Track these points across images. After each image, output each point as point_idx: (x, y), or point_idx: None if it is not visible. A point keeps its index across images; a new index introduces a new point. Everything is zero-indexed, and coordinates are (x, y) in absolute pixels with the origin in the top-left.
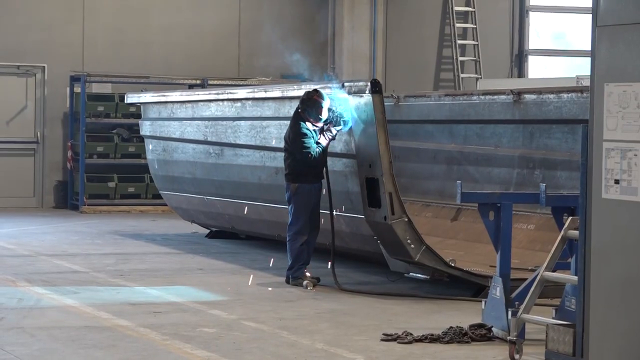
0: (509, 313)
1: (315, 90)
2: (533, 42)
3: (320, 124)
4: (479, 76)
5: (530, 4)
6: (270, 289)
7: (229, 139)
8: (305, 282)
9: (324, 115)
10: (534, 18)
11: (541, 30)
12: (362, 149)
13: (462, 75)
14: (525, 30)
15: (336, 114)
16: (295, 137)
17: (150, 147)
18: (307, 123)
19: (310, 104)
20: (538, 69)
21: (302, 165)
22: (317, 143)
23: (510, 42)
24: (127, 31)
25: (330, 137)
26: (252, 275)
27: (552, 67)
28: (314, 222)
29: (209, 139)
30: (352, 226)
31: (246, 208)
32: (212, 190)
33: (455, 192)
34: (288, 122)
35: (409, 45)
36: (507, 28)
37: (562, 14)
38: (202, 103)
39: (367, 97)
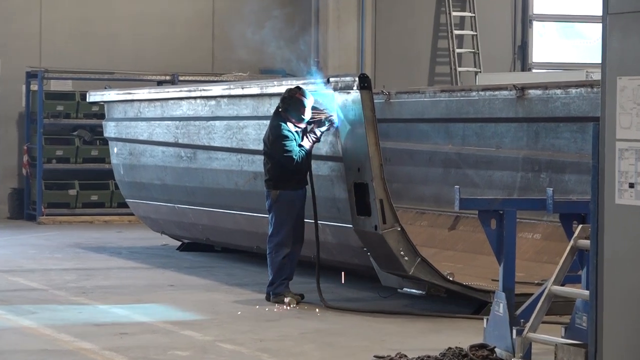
0: (514, 332)
1: (298, 87)
2: (538, 32)
3: (303, 125)
4: (478, 70)
5: None
6: (249, 306)
7: (202, 141)
8: (287, 299)
9: (307, 114)
10: (538, 5)
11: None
12: (350, 151)
13: (459, 69)
14: (528, 18)
15: (321, 113)
16: (275, 140)
17: (115, 150)
18: (288, 124)
19: (291, 103)
20: (543, 61)
21: (284, 171)
22: (300, 146)
23: (512, 32)
24: (90, 22)
25: (314, 139)
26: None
27: (559, 59)
28: (297, 232)
29: (180, 141)
30: (339, 237)
31: (222, 217)
32: (183, 197)
33: (453, 198)
34: (267, 122)
35: (400, 36)
36: (509, 16)
37: (570, 0)
38: (172, 101)
39: (354, 94)
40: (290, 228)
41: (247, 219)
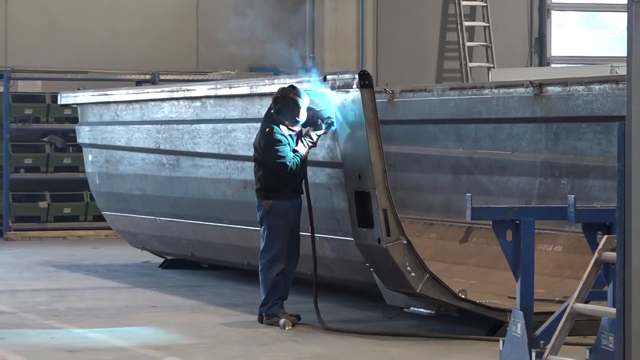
0: (533, 355)
1: (291, 87)
2: (556, 23)
3: (297, 128)
4: (491, 65)
5: None
6: (240, 329)
7: (186, 147)
8: (282, 321)
9: (302, 117)
10: None
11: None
12: (350, 156)
13: (470, 65)
14: (546, 8)
15: (317, 114)
16: (267, 145)
17: (90, 157)
18: (281, 127)
19: (285, 104)
20: (563, 55)
21: (277, 179)
22: (294, 151)
23: (528, 23)
24: (61, 16)
25: (310, 143)
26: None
27: (580, 52)
28: (292, 247)
29: (162, 146)
30: (338, 251)
31: (209, 231)
32: (166, 209)
33: (465, 207)
34: (258, 126)
35: (405, 28)
36: (525, 6)
37: None
38: (152, 103)
39: (354, 93)
40: (284, 242)
41: (237, 233)
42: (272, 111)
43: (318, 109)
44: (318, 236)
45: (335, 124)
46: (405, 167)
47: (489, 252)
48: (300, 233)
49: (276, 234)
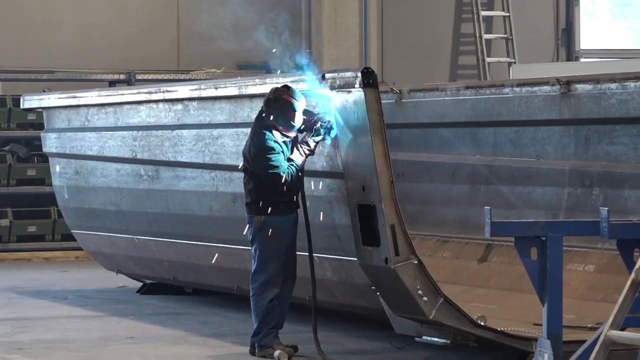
0: None
1: (285, 87)
2: (586, 12)
3: (292, 134)
4: (512, 60)
5: None
6: None
7: (166, 156)
8: (277, 353)
9: (298, 121)
10: None
11: None
12: (353, 165)
13: (488, 60)
14: None
15: (315, 118)
16: (258, 153)
17: (58, 169)
18: (274, 132)
19: (278, 106)
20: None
21: (269, 191)
22: (289, 160)
23: (554, 12)
24: (25, 8)
25: (307, 151)
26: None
27: (613, 44)
28: (288, 268)
29: (140, 155)
30: (340, 273)
31: (193, 251)
32: (144, 227)
33: (483, 221)
34: (248, 131)
35: (414, 20)
36: None
37: None
38: (128, 106)
39: (357, 93)
40: (278, 263)
41: (225, 253)
42: (263, 115)
43: (316, 112)
44: (317, 256)
45: (335, 128)
46: (415, 177)
47: (511, 273)
48: (297, 253)
49: (269, 254)
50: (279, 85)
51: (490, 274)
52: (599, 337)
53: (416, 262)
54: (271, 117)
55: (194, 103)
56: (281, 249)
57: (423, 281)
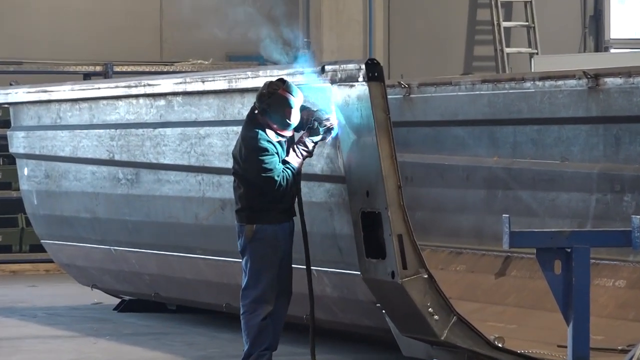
0: None
1: (281, 80)
2: None
3: (288, 133)
4: (534, 51)
5: None
6: None
7: (148, 157)
8: None
9: (295, 119)
10: None
11: None
12: (356, 168)
13: (507, 50)
14: None
15: (314, 116)
16: (250, 154)
17: (26, 171)
18: (268, 132)
19: (272, 102)
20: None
21: (262, 197)
22: (285, 162)
23: None
24: None
25: (304, 152)
26: None
27: None
28: (282, 283)
29: (118, 157)
30: (341, 288)
31: (177, 263)
32: (123, 236)
33: (501, 231)
34: (239, 130)
35: (423, 6)
36: None
37: None
38: (105, 102)
39: (360, 88)
40: (272, 277)
41: (213, 266)
42: (256, 112)
43: (314, 109)
44: (315, 269)
45: (336, 127)
46: (425, 181)
47: (532, 289)
48: (293, 266)
49: (262, 267)
50: (274, 79)
51: (509, 290)
52: None
53: (426, 276)
54: (265, 115)
55: (179, 98)
56: (275, 261)
57: (434, 297)
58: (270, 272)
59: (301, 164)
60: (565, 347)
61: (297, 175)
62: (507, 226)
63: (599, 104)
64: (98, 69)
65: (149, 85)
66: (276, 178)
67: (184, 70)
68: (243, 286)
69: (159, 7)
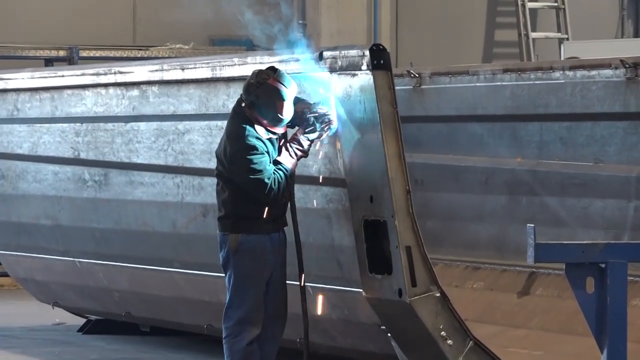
0: None
1: (272, 69)
2: None
3: (280, 129)
4: (564, 36)
5: None
6: None
7: (118, 155)
8: None
9: (288, 113)
10: None
11: None
12: (358, 169)
13: (533, 35)
14: None
15: (309, 109)
16: (236, 153)
17: None
18: (257, 128)
19: (262, 94)
20: None
21: (250, 202)
22: (277, 163)
23: None
24: None
25: (299, 151)
26: None
27: None
28: (275, 304)
29: (84, 155)
30: (341, 308)
31: (151, 278)
32: (89, 247)
33: (525, 243)
34: (223, 125)
35: None
36: None
37: None
38: (69, 91)
39: (364, 77)
40: (258, 295)
41: (192, 281)
42: (243, 105)
43: (310, 102)
44: (310, 286)
45: (335, 122)
46: (438, 185)
47: (560, 310)
48: (287, 282)
49: (247, 284)
50: (263, 67)
51: (533, 311)
52: None
53: (438, 294)
54: (253, 108)
55: (154, 88)
56: (262, 277)
57: (447, 319)
58: (256, 289)
59: (295, 165)
60: None
61: (291, 177)
62: (532, 237)
63: (639, 98)
64: (61, 53)
65: (120, 72)
66: (266, 181)
67: (160, 55)
68: (226, 305)
69: None
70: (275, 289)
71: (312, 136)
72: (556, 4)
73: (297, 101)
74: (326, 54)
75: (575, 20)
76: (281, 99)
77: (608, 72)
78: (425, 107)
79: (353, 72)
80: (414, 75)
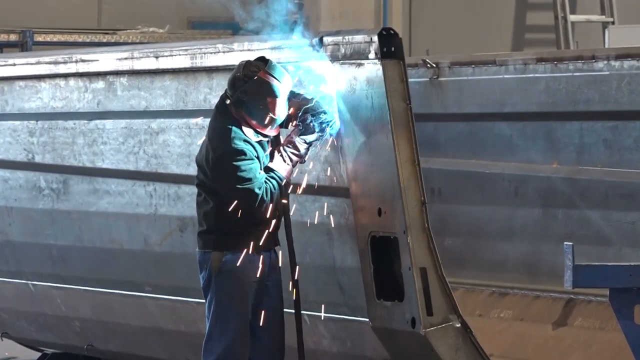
0: None
1: (262, 60)
2: None
3: (272, 131)
4: (609, 19)
5: None
6: None
7: (80, 159)
8: None
9: (280, 111)
10: None
11: None
12: (364, 177)
13: (572, 18)
14: None
15: (306, 107)
16: (220, 159)
17: None
18: (245, 129)
19: (250, 90)
20: None
21: (237, 216)
22: (269, 170)
23: None
24: None
25: (294, 156)
26: None
27: None
28: (263, 336)
29: (39, 158)
30: (343, 340)
31: (118, 305)
32: (45, 268)
33: (562, 265)
34: (206, 125)
35: None
36: None
37: None
38: (22, 83)
39: (371, 67)
40: (243, 325)
41: (167, 308)
42: (228, 102)
43: (308, 97)
44: (307, 314)
45: (337, 122)
46: (459, 196)
47: (603, 342)
48: (284, 310)
49: (230, 312)
50: (252, 57)
51: (571, 345)
52: None
53: (459, 325)
54: (240, 107)
55: (123, 79)
56: (248, 303)
57: (469, 354)
58: (240, 317)
59: (290, 172)
60: None
61: (285, 187)
62: (569, 258)
63: None
64: (13, 37)
65: (83, 61)
66: (257, 191)
67: (130, 41)
68: (205, 337)
69: None
70: (269, 317)
71: (310, 138)
72: None
73: (292, 97)
74: (327, 39)
75: (622, 1)
76: (273, 95)
77: None
78: (444, 103)
79: (359, 61)
80: (431, 65)
